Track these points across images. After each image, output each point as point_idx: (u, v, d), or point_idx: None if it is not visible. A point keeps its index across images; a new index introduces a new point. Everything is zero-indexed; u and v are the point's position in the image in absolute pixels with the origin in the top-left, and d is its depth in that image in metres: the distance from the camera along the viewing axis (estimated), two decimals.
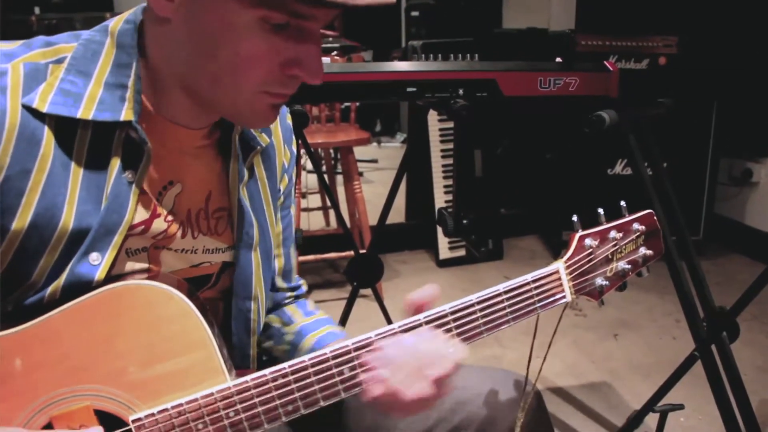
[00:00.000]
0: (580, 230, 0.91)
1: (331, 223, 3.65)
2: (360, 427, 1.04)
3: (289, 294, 1.11)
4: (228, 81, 0.75)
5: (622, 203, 0.95)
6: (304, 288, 1.15)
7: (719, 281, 3.19)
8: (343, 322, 2.11)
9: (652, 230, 0.95)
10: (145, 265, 0.85)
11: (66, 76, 0.77)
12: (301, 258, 2.92)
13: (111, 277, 0.80)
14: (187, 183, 0.87)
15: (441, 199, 3.34)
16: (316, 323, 1.06)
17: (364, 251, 2.06)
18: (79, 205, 0.77)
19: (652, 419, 1.88)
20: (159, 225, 0.84)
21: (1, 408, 0.74)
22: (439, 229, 3.41)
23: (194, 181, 0.88)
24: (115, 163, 0.79)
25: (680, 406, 1.78)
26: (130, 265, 0.83)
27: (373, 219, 2.74)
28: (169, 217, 0.85)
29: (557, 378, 2.44)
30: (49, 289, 0.77)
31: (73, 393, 0.76)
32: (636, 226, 0.94)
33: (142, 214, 0.82)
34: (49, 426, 0.76)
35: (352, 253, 2.06)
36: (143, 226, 0.82)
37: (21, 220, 0.74)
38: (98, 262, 0.78)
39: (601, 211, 0.94)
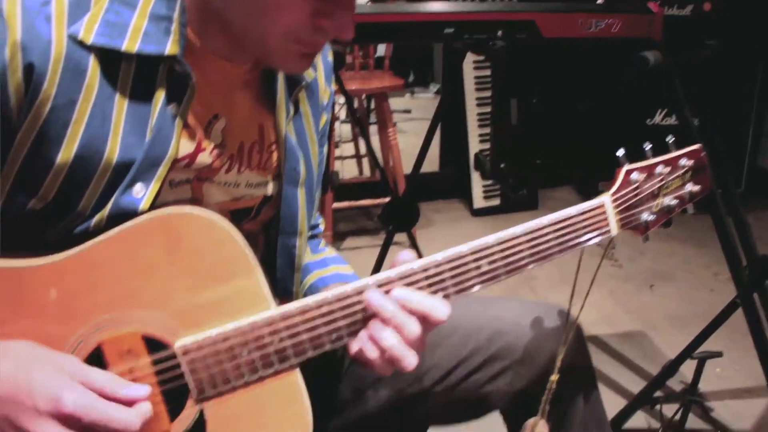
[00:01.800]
0: (626, 164, 0.89)
1: (365, 171, 3.65)
2: None
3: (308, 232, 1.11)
4: (257, 23, 0.74)
5: (669, 138, 0.93)
6: (322, 227, 1.15)
7: (760, 235, 3.12)
8: (377, 268, 2.12)
9: (699, 166, 0.93)
10: (188, 196, 0.85)
11: (111, 6, 0.76)
12: (336, 205, 2.93)
13: (155, 208, 0.81)
14: (232, 117, 0.87)
15: (476, 147, 3.32)
16: (322, 262, 1.06)
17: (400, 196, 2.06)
18: (123, 137, 0.77)
19: (687, 369, 1.87)
20: (204, 159, 0.84)
21: (53, 332, 0.75)
22: (474, 178, 3.39)
23: (240, 115, 0.88)
24: (160, 96, 0.78)
25: (719, 354, 1.76)
26: (174, 196, 0.84)
27: (406, 169, 2.73)
28: (216, 151, 0.85)
29: (592, 327, 2.44)
30: (95, 219, 0.78)
31: (121, 318, 0.77)
32: (684, 161, 0.92)
33: (187, 148, 0.82)
34: (98, 350, 0.77)
35: (386, 199, 2.06)
36: (188, 160, 0.82)
37: (67, 151, 0.75)
38: (142, 194, 0.78)
39: (647, 146, 0.91)
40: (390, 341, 0.79)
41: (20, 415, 0.67)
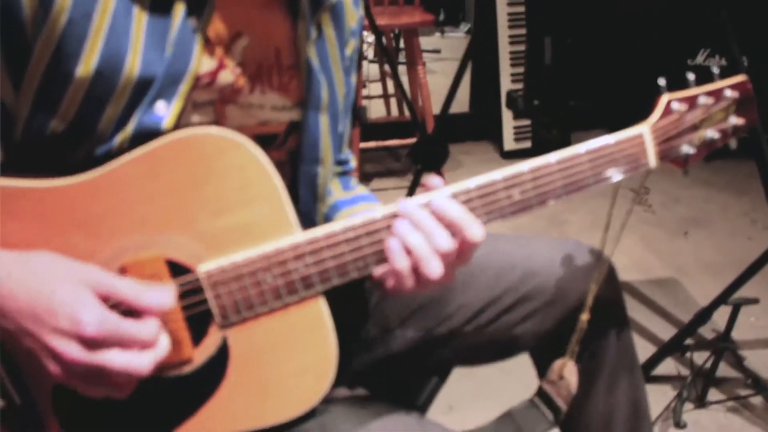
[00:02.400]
0: (667, 93, 0.85)
1: (392, 112, 3.60)
2: (420, 297, 1.03)
3: (336, 168, 1.09)
4: None
5: (714, 69, 0.88)
6: (353, 164, 1.13)
7: None
8: None
9: (745, 98, 0.89)
10: (211, 119, 0.84)
11: None
12: (363, 144, 2.91)
13: (178, 129, 0.79)
14: (254, 36, 0.84)
15: (507, 87, 3.23)
16: (353, 199, 1.04)
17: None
18: (144, 53, 0.75)
19: (720, 317, 1.84)
20: (226, 77, 0.82)
21: (76, 254, 0.74)
22: (505, 119, 3.33)
23: (262, 34, 0.85)
24: (179, 9, 0.76)
25: (755, 300, 1.73)
26: (197, 118, 0.82)
27: (435, 109, 2.68)
28: (238, 70, 0.83)
29: (622, 272, 2.38)
30: (117, 140, 0.76)
31: (144, 241, 0.76)
32: (728, 92, 0.87)
33: (208, 65, 0.80)
34: (121, 273, 0.76)
35: (414, 140, 2.03)
36: (209, 78, 0.80)
37: (86, 66, 0.73)
38: (165, 112, 0.77)
39: (691, 76, 0.87)
40: (416, 241, 0.77)
41: (42, 332, 0.67)
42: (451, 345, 1.04)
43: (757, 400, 1.84)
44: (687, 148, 0.86)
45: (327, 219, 1.02)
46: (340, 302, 1.03)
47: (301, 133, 0.91)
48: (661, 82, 0.86)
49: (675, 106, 0.85)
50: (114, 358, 0.68)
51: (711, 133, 0.88)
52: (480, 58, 3.39)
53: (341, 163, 1.10)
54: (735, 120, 0.89)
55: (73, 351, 0.67)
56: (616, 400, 1.05)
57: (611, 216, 0.93)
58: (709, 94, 0.87)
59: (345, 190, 1.07)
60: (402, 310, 1.03)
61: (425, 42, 4.85)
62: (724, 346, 1.79)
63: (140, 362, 0.70)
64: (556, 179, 0.81)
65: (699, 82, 0.88)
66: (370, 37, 3.39)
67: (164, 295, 0.73)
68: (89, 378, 0.69)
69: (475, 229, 0.78)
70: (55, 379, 0.69)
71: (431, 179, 0.81)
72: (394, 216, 0.79)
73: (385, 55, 2.36)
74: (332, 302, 0.81)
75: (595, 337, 1.01)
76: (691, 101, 0.86)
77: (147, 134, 0.76)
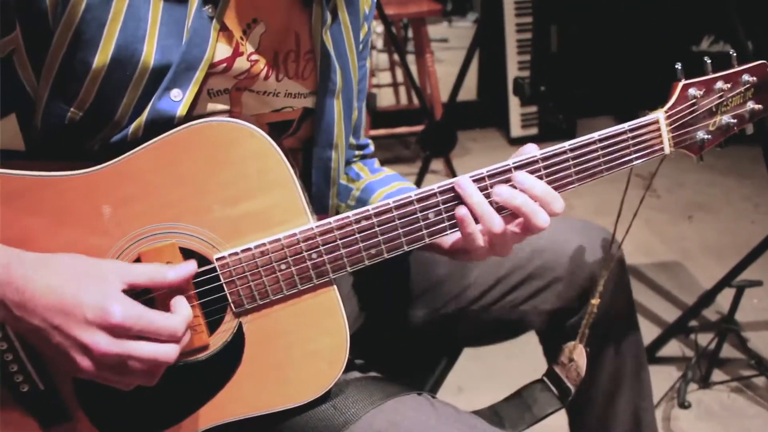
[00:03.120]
0: (683, 79, 0.85)
1: (401, 100, 3.61)
2: (432, 278, 1.04)
3: (357, 152, 1.10)
4: None
5: (732, 52, 0.87)
6: (372, 148, 1.13)
7: None
8: None
9: (763, 83, 0.88)
10: (227, 107, 0.84)
11: None
12: (372, 132, 2.92)
13: (192, 118, 0.79)
14: (271, 23, 0.84)
15: (514, 75, 3.24)
16: (384, 180, 1.05)
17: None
18: (160, 40, 0.75)
19: (724, 299, 1.85)
20: (241, 64, 0.82)
21: (93, 243, 0.75)
22: (512, 106, 3.32)
23: (279, 21, 0.85)
24: None
25: (759, 283, 1.73)
26: (212, 107, 0.82)
27: (443, 97, 2.68)
28: (254, 57, 0.83)
29: (627, 256, 2.39)
30: (132, 127, 0.76)
31: (159, 230, 0.76)
32: (746, 77, 0.87)
33: (224, 52, 0.80)
34: (137, 262, 0.76)
35: (422, 127, 2.03)
36: (225, 65, 0.80)
37: (103, 54, 0.73)
38: (179, 99, 0.77)
39: (707, 60, 0.86)
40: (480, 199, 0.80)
41: (70, 326, 0.67)
42: (460, 324, 1.05)
43: (760, 381, 1.85)
44: (702, 134, 0.86)
45: (360, 201, 1.03)
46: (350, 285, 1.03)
47: (314, 117, 0.91)
48: (678, 66, 0.85)
49: (691, 91, 0.84)
50: (141, 348, 0.69)
51: (727, 118, 0.87)
52: (487, 46, 3.40)
53: (361, 147, 1.10)
54: (752, 105, 0.88)
55: (102, 342, 0.67)
56: (620, 388, 1.06)
57: (625, 196, 0.94)
58: (725, 79, 0.86)
59: (373, 174, 1.07)
60: (411, 290, 1.04)
61: (433, 31, 4.84)
62: (727, 327, 1.79)
63: (167, 350, 0.70)
64: (568, 166, 0.81)
65: (715, 65, 0.88)
66: (379, 27, 3.39)
67: (184, 267, 0.74)
68: (117, 370, 0.69)
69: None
70: (84, 375, 0.69)
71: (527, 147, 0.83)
72: (406, 204, 0.79)
73: (394, 44, 2.35)
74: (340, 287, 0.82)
75: (603, 328, 1.02)
76: (708, 86, 0.85)
77: (161, 121, 0.76)
